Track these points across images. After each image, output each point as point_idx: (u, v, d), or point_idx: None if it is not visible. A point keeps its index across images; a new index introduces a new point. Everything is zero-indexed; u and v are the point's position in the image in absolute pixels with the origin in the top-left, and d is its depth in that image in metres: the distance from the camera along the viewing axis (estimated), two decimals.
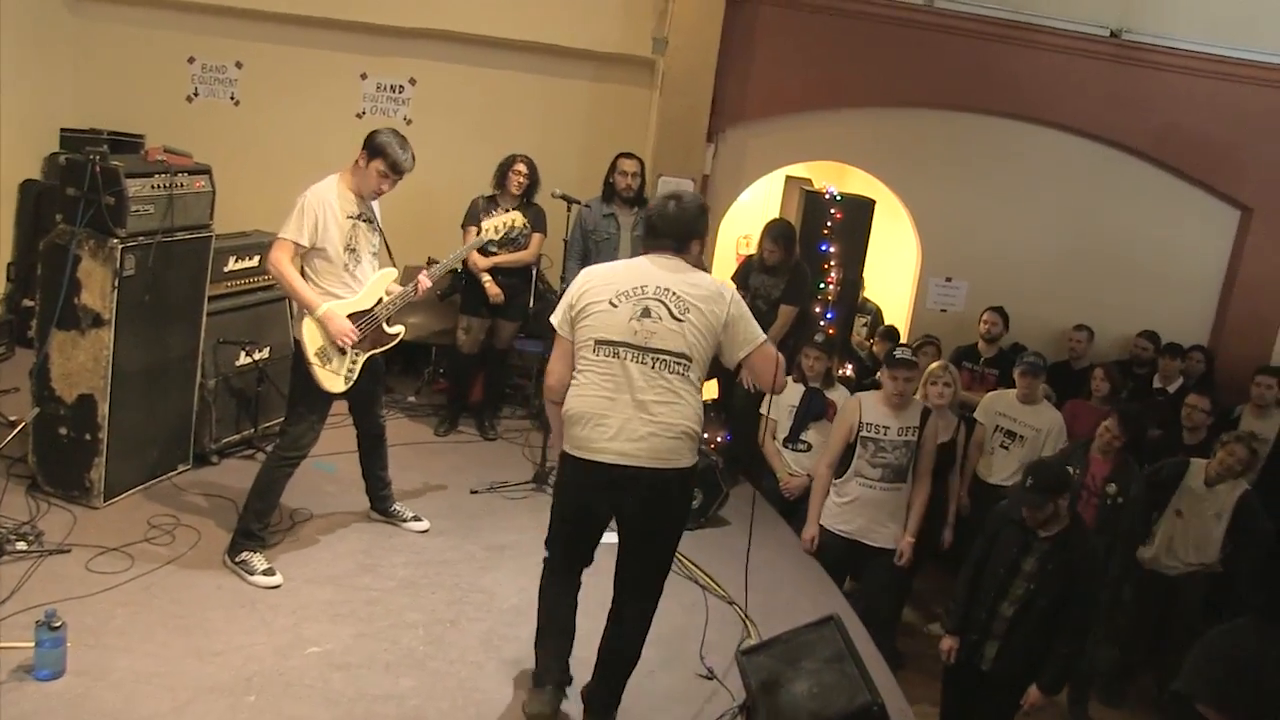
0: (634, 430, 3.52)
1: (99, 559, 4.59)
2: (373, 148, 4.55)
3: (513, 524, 5.49)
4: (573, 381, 3.65)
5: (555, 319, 3.71)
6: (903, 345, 6.22)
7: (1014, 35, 7.94)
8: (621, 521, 3.70)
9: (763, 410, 6.00)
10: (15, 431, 4.78)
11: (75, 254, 4.82)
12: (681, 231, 3.68)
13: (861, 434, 5.29)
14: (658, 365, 3.51)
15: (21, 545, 4.55)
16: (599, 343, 3.57)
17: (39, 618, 3.78)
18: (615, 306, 3.56)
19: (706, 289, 3.59)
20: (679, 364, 3.52)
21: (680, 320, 3.52)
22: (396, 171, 4.60)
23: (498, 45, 7.47)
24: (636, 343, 3.52)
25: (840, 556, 5.44)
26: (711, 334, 3.57)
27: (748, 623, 4.82)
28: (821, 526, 5.47)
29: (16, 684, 3.71)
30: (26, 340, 6.60)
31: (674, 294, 3.54)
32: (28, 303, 6.81)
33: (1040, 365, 6.46)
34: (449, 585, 4.80)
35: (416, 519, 5.30)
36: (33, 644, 3.76)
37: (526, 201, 6.42)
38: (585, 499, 3.69)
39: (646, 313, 3.52)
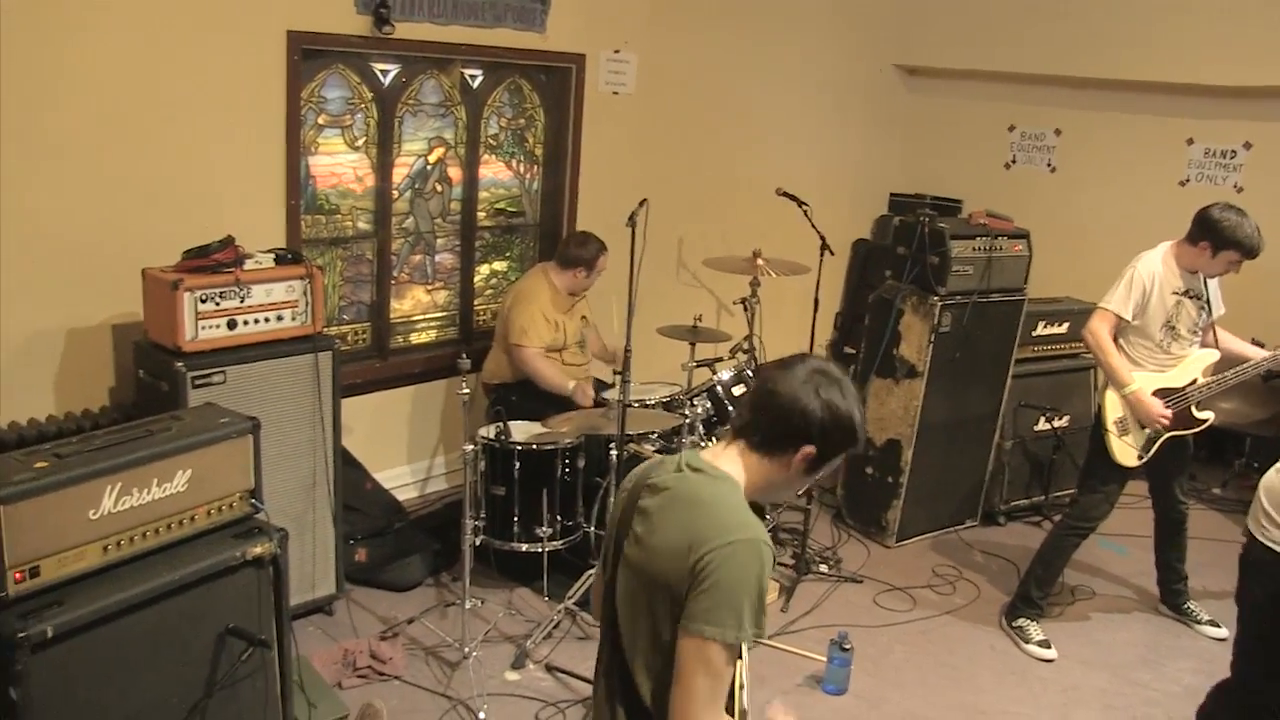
0: None
1: (885, 594, 4.93)
2: (1217, 236, 4.18)
3: None
4: None
5: None
6: None
7: None
8: None
9: None
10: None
11: (899, 308, 5.22)
12: None
13: None
14: None
15: (823, 568, 5.08)
16: None
17: (832, 636, 4.17)
18: None
19: None
20: None
21: None
22: (1251, 257, 4.22)
23: None
24: None
25: None
26: None
27: None
28: None
29: (807, 691, 4.16)
30: None
31: None
32: (848, 350, 7.54)
33: None
34: None
35: (1213, 624, 4.81)
36: (824, 659, 4.16)
37: None
38: None
39: None
